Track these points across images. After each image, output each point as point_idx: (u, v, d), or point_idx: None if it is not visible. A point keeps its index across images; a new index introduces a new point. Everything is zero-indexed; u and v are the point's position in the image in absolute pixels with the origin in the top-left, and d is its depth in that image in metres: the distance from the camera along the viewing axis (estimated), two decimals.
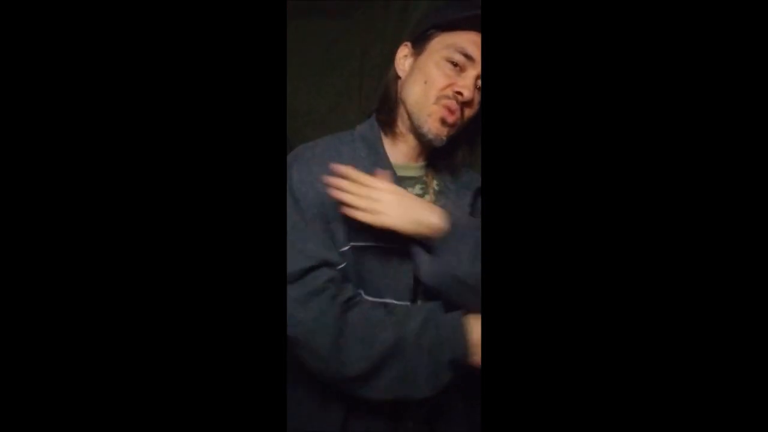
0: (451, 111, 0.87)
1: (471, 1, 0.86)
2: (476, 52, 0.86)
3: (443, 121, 0.88)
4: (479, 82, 0.88)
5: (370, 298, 0.83)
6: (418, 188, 0.93)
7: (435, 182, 0.97)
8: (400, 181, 0.90)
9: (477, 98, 0.90)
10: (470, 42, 0.86)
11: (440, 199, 0.94)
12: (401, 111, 0.92)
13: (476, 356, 0.76)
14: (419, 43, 0.91)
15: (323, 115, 1.24)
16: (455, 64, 0.87)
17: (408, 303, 0.84)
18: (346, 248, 0.83)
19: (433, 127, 0.88)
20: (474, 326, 0.77)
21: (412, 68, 0.91)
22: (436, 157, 0.97)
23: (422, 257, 0.81)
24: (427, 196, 0.93)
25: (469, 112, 0.90)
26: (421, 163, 0.96)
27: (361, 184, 0.78)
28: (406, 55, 0.93)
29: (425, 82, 0.88)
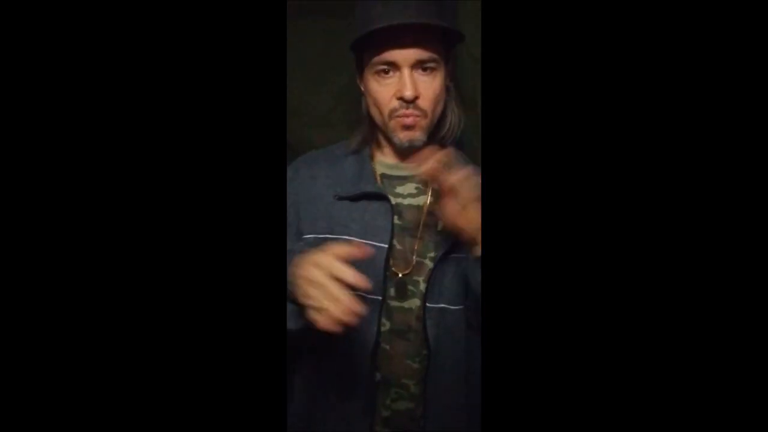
0: (406, 116, 0.87)
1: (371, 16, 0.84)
2: (395, 56, 0.85)
3: (405, 127, 0.88)
4: (419, 70, 0.86)
5: None
6: (412, 187, 0.94)
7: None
8: (390, 179, 0.93)
9: (427, 83, 0.87)
10: (384, 50, 0.85)
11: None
12: (376, 125, 0.94)
13: (289, 285, 0.75)
14: (359, 64, 0.93)
15: (323, 115, 1.24)
16: (386, 72, 0.87)
17: (380, 298, 0.87)
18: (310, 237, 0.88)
19: (401, 137, 0.89)
20: (298, 259, 0.74)
21: (364, 88, 0.92)
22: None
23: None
24: (423, 197, 0.93)
25: (426, 103, 0.88)
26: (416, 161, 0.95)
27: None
28: (359, 76, 0.95)
29: (374, 105, 0.90)
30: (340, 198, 0.91)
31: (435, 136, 0.94)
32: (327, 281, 0.69)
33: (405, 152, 0.94)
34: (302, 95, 1.18)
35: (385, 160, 0.96)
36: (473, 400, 0.87)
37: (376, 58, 0.86)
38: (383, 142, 0.96)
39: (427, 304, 0.88)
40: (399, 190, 0.94)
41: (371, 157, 0.97)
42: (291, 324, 0.79)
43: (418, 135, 0.89)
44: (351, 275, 0.70)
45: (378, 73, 0.87)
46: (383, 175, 0.95)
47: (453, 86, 0.95)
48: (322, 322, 0.69)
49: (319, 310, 0.69)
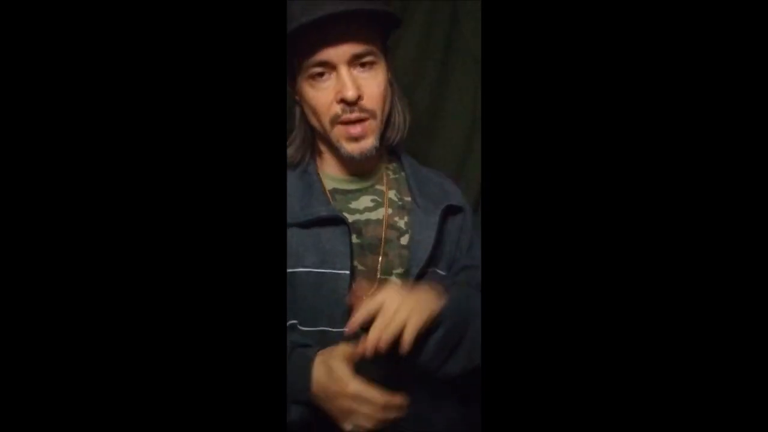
0: (352, 123, 0.78)
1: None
2: (328, 54, 0.76)
3: (353, 139, 0.79)
4: (357, 67, 0.78)
5: (305, 328, 0.79)
6: (367, 200, 0.85)
7: (393, 192, 0.87)
8: (342, 194, 0.85)
9: (369, 80, 0.79)
10: (315, 50, 0.77)
11: (401, 215, 0.86)
12: (316, 133, 0.85)
13: (317, 401, 0.72)
14: (290, 72, 0.83)
15: None
16: (321, 74, 0.78)
17: (345, 329, 0.77)
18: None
19: (350, 150, 0.80)
20: (317, 370, 0.72)
21: (299, 97, 0.83)
22: (389, 153, 0.88)
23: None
24: (381, 210, 0.85)
25: (372, 102, 0.79)
26: (368, 170, 0.87)
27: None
28: (290, 84, 0.85)
29: (313, 113, 0.80)
30: (289, 225, 0.79)
31: (382, 139, 0.84)
32: (358, 407, 0.70)
33: (354, 163, 0.84)
34: None
35: (331, 173, 0.86)
36: (437, 417, 0.83)
37: (308, 61, 0.77)
38: (325, 152, 0.86)
39: None
40: (354, 205, 0.84)
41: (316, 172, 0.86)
42: (294, 416, 0.74)
43: (369, 144, 0.80)
44: (381, 398, 0.70)
45: (312, 77, 0.78)
46: (334, 191, 0.84)
47: (394, 80, 0.86)
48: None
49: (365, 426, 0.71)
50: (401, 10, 1.14)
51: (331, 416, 0.72)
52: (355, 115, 0.78)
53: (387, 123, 0.84)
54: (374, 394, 0.70)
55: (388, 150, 0.89)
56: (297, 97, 0.84)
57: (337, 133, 0.79)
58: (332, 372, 0.71)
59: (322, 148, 0.85)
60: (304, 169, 0.85)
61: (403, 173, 0.90)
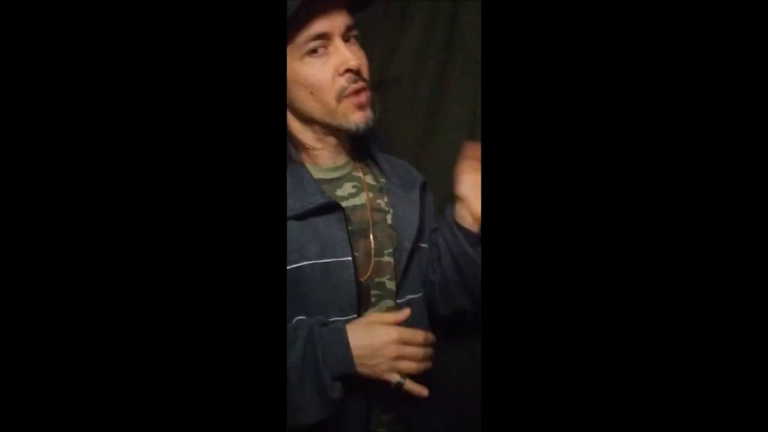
0: (359, 93, 0.80)
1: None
2: (325, 25, 0.77)
3: (360, 107, 0.81)
4: (348, 36, 0.80)
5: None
6: (349, 187, 0.87)
7: (369, 176, 0.90)
8: (328, 183, 0.85)
9: (357, 52, 0.82)
10: (309, 23, 0.77)
11: (382, 197, 0.88)
12: (299, 127, 0.85)
13: (360, 366, 0.75)
14: None
15: None
16: (315, 50, 0.78)
17: (355, 316, 0.80)
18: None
19: (357, 120, 0.81)
20: (353, 336, 0.76)
21: (292, 80, 0.82)
22: (355, 141, 0.90)
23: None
24: (363, 194, 0.87)
25: (366, 72, 0.82)
26: (344, 159, 0.89)
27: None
28: None
29: (311, 93, 0.80)
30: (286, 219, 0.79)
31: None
32: (405, 349, 0.77)
33: (339, 144, 0.86)
34: None
35: (312, 164, 0.86)
36: (437, 417, 0.86)
37: (303, 36, 0.77)
38: (312, 146, 0.86)
39: (397, 301, 0.84)
40: (339, 192, 0.86)
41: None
42: (322, 415, 0.75)
43: (370, 113, 0.82)
44: (421, 335, 0.79)
45: (308, 54, 0.78)
46: (319, 181, 0.85)
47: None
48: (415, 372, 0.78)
49: (410, 371, 0.77)
50: (401, 10, 1.14)
51: (373, 377, 0.77)
52: (360, 84, 0.80)
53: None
54: (415, 332, 0.78)
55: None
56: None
57: (344, 107, 0.81)
58: (372, 328, 0.77)
59: (302, 138, 0.86)
60: (291, 160, 0.85)
61: (370, 159, 0.93)
